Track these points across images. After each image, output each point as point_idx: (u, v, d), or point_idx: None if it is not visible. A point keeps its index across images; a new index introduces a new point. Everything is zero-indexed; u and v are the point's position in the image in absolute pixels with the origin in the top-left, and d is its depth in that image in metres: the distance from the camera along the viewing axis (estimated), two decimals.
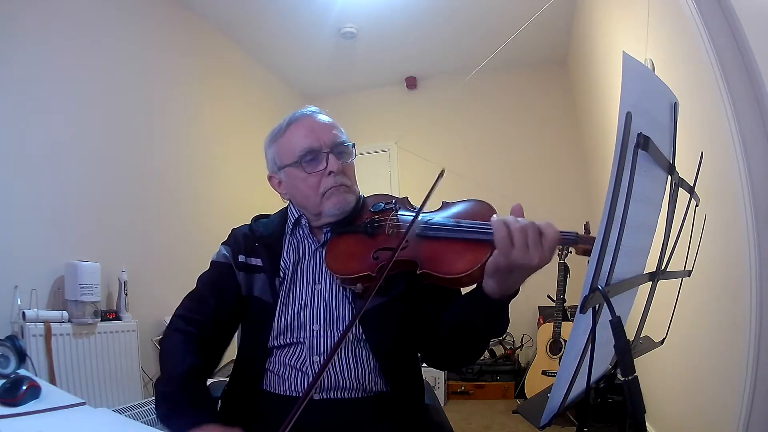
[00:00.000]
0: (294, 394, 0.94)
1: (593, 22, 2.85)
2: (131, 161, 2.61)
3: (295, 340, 0.97)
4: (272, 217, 1.13)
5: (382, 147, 4.44)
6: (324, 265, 0.98)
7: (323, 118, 1.04)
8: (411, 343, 1.00)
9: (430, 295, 0.96)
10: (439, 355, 0.98)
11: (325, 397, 0.94)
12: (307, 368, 0.95)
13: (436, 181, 0.85)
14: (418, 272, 0.85)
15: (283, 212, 1.11)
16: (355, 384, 0.94)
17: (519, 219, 0.76)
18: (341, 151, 1.01)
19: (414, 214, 0.91)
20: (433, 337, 0.95)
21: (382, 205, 1.00)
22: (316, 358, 0.95)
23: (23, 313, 1.88)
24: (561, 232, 0.77)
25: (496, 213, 0.87)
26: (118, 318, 2.29)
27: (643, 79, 0.65)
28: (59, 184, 2.19)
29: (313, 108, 1.06)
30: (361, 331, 0.96)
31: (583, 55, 3.32)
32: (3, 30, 2.00)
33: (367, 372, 0.95)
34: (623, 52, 0.57)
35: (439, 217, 0.91)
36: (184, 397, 0.90)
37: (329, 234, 1.02)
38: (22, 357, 1.61)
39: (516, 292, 0.83)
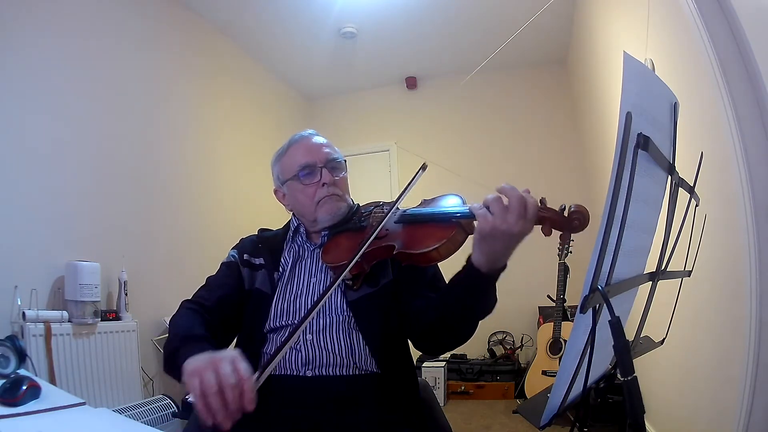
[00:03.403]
0: (289, 373, 0.99)
1: (593, 22, 2.85)
2: (131, 161, 2.61)
3: (289, 322, 1.04)
4: (277, 230, 1.26)
5: (382, 147, 4.44)
6: (320, 263, 1.10)
7: (319, 139, 1.20)
8: (400, 330, 1.06)
9: (417, 286, 1.05)
10: (427, 338, 1.02)
11: (317, 374, 0.99)
12: (300, 346, 1.01)
13: (416, 174, 0.98)
14: (393, 253, 0.94)
15: (286, 224, 1.24)
16: (347, 361, 1.00)
17: (503, 189, 0.80)
18: (334, 166, 1.15)
19: (396, 211, 1.02)
20: (421, 322, 1.00)
21: (371, 207, 1.15)
22: (309, 337, 1.01)
23: (23, 313, 1.88)
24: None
25: (465, 203, 0.98)
26: (118, 318, 2.29)
27: (643, 79, 0.65)
28: (59, 184, 2.19)
29: (310, 131, 1.22)
30: (352, 316, 1.03)
31: (583, 55, 3.32)
32: (3, 29, 2.00)
33: (358, 352, 1.02)
34: (624, 52, 0.57)
35: (416, 209, 1.03)
36: (186, 347, 0.91)
37: (326, 237, 1.13)
38: (22, 357, 1.61)
39: (503, 267, 0.86)
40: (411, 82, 4.42)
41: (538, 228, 0.82)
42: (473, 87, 3.95)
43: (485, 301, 0.90)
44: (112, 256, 2.35)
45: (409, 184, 0.97)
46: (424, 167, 0.99)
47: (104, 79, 2.48)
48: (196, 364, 0.77)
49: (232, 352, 0.80)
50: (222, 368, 0.74)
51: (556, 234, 0.80)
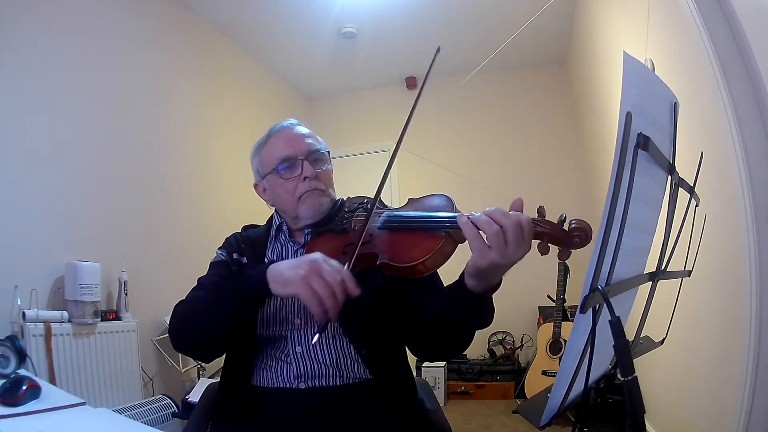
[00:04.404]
0: (280, 386, 0.96)
1: (593, 22, 2.85)
2: (131, 161, 2.61)
3: (278, 333, 1.00)
4: (260, 227, 1.20)
5: (382, 147, 4.43)
6: None
7: (300, 129, 1.13)
8: (391, 334, 1.03)
9: (409, 290, 1.00)
10: (425, 347, 1.01)
11: (310, 385, 0.97)
12: (290, 359, 0.98)
13: (434, 58, 0.86)
14: (377, 263, 0.88)
15: (269, 221, 1.18)
16: (337, 371, 0.97)
17: (494, 217, 0.74)
18: (316, 158, 1.09)
19: (381, 212, 0.96)
20: (417, 331, 0.98)
21: (356, 205, 1.06)
22: (297, 349, 0.98)
23: (23, 313, 1.88)
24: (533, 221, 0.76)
25: (453, 204, 0.92)
26: (118, 318, 2.29)
27: (643, 79, 0.65)
28: (59, 184, 2.19)
29: (292, 120, 1.15)
30: (338, 322, 0.98)
31: (583, 55, 3.32)
32: (3, 29, 2.00)
33: (348, 360, 0.99)
34: (624, 52, 0.57)
35: (401, 212, 0.95)
36: (243, 272, 0.92)
37: (309, 236, 1.08)
38: (22, 357, 1.61)
39: (499, 283, 0.84)
40: (411, 82, 4.42)
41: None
42: (473, 87, 3.94)
43: (482, 314, 0.88)
44: (112, 256, 2.35)
45: (428, 72, 0.91)
46: (438, 50, 0.92)
47: (104, 79, 2.48)
48: (293, 273, 0.79)
49: (312, 254, 0.83)
50: (324, 271, 0.78)
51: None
